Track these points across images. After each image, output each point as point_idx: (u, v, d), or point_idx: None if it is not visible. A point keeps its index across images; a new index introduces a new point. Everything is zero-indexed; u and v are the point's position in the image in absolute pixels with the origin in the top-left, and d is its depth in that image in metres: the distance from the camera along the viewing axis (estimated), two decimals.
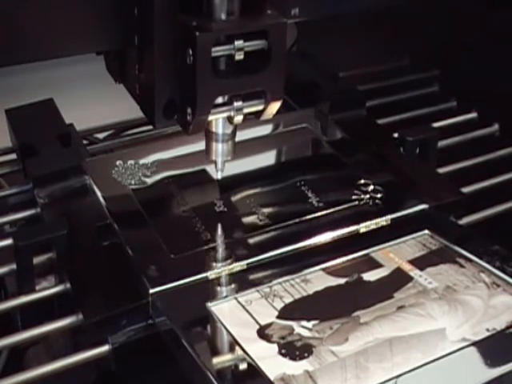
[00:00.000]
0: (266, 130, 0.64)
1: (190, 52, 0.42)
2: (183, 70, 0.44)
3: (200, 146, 0.51)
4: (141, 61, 0.46)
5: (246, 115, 0.46)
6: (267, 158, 0.61)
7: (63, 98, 0.63)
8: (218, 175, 0.50)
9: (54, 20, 0.45)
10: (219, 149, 0.49)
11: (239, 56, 0.43)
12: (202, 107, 0.44)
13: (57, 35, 0.46)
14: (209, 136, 0.49)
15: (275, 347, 0.42)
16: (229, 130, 0.48)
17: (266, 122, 0.64)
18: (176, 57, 0.44)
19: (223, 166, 0.50)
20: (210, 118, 0.45)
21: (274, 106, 0.46)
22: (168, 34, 0.43)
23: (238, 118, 0.46)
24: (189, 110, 0.44)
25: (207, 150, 0.49)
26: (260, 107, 0.46)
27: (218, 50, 0.43)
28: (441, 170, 0.60)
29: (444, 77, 0.73)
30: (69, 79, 0.80)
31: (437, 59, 0.73)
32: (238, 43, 0.43)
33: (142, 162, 0.58)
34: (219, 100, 0.45)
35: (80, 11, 0.45)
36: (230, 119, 0.46)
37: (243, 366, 0.41)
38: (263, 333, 0.43)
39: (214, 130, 0.48)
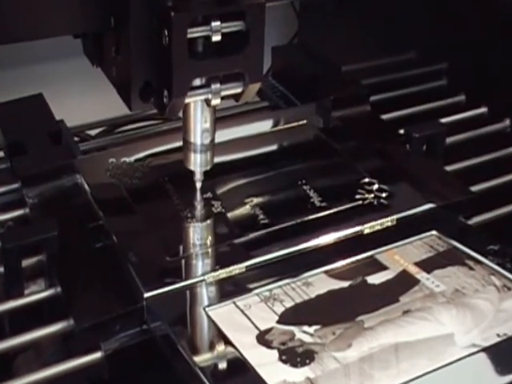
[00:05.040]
0: (265, 126, 0.64)
1: (166, 33, 0.43)
2: (159, 52, 0.44)
3: None
4: (117, 43, 0.47)
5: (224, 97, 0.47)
6: (267, 156, 0.61)
7: (53, 92, 0.63)
8: (197, 185, 0.52)
9: (31, 2, 0.46)
10: (197, 159, 0.50)
11: (216, 37, 0.44)
12: (178, 89, 0.44)
13: (34, 17, 0.46)
14: (187, 146, 0.50)
15: (275, 353, 0.42)
16: (207, 141, 0.49)
17: (266, 117, 0.66)
18: (152, 38, 0.44)
19: (202, 176, 0.51)
20: (187, 100, 0.45)
21: (253, 89, 0.47)
22: (144, 15, 0.44)
23: (216, 101, 0.46)
24: (165, 93, 0.45)
25: (185, 160, 0.50)
26: (238, 90, 0.46)
27: (194, 31, 0.43)
28: (449, 168, 0.60)
29: (452, 70, 0.73)
30: (59, 73, 0.81)
31: (445, 51, 0.73)
32: (215, 24, 0.43)
33: (135, 160, 0.58)
34: (197, 82, 0.45)
35: None
36: (207, 102, 0.47)
37: (242, 373, 0.41)
38: (263, 338, 0.43)
39: (192, 140, 0.49)
